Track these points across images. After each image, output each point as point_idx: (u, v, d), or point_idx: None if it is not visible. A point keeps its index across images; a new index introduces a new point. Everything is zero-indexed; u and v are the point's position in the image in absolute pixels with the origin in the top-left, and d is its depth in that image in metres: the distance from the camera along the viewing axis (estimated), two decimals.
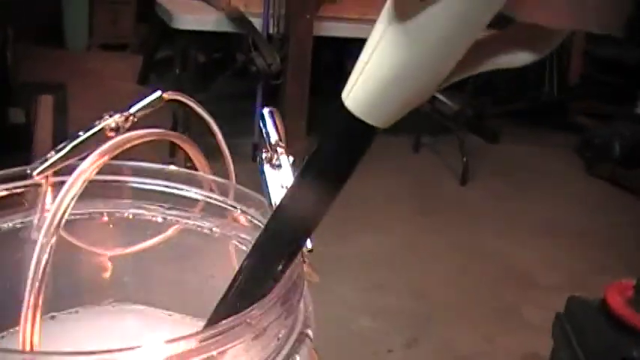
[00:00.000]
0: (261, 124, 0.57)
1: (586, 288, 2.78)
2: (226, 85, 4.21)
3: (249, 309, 0.42)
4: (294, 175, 0.54)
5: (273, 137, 0.56)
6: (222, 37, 3.63)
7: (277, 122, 0.57)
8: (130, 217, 0.60)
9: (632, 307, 1.44)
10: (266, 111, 0.58)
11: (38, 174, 0.54)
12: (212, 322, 0.48)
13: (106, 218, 0.61)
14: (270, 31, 3.31)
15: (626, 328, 1.43)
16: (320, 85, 3.51)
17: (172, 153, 3.01)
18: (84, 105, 4.20)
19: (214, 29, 3.41)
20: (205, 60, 4.89)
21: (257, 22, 3.28)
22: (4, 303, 0.54)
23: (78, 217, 0.58)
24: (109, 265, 0.64)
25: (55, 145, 0.57)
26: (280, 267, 0.47)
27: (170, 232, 0.62)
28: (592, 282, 2.81)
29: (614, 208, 3.77)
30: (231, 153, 0.69)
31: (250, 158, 3.32)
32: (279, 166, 0.54)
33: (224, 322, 0.41)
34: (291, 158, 0.55)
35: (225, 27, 3.35)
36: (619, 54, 5.44)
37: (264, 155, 0.55)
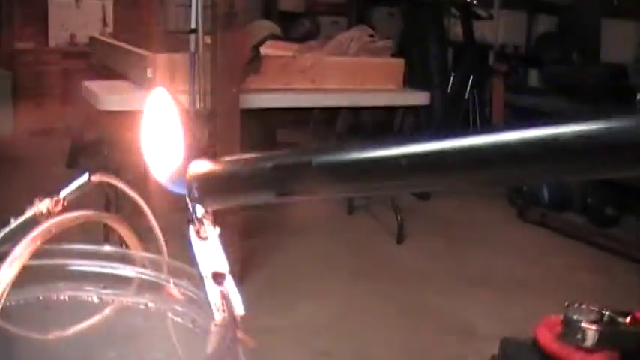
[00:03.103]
0: (188, 198, 0.59)
1: (528, 334, 2.83)
2: None
3: None
4: (221, 245, 0.56)
5: (200, 210, 0.58)
6: None
7: None
8: (66, 299, 0.61)
9: (561, 341, 1.49)
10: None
11: None
12: None
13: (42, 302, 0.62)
14: (197, 106, 3.32)
15: None
16: None
17: (107, 237, 2.97)
18: (13, 192, 4.15)
19: (141, 108, 3.41)
20: None
21: (183, 99, 3.30)
22: None
23: (13, 302, 0.59)
24: (47, 349, 0.64)
25: None
26: None
27: (107, 311, 0.63)
28: (533, 328, 2.85)
29: (548, 252, 3.86)
30: (163, 230, 0.70)
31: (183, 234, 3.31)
32: (206, 238, 0.56)
33: None
34: (218, 229, 0.57)
35: None
36: (536, 102, 5.65)
37: (191, 228, 0.57)
